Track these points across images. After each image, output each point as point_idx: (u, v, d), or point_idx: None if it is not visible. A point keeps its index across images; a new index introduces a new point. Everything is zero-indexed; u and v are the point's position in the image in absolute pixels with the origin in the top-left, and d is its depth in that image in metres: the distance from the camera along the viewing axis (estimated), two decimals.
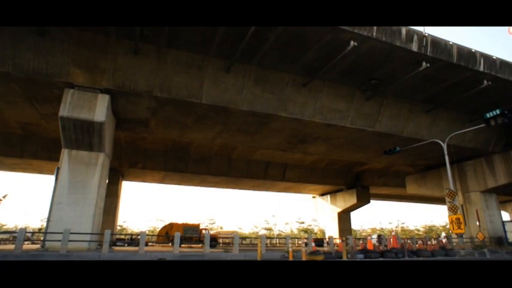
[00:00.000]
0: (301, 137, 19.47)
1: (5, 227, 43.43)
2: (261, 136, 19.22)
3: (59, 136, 14.02)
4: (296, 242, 32.89)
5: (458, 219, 16.58)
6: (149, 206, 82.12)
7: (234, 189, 35.49)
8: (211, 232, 31.74)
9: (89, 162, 14.19)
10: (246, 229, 54.74)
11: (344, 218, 34.66)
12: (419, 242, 17.65)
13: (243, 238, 31.94)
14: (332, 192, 35.38)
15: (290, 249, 12.32)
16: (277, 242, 33.75)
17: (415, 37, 14.06)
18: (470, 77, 15.93)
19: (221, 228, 49.16)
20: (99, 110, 13.37)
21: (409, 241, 17.18)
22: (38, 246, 14.94)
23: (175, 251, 12.66)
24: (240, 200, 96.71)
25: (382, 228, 60.81)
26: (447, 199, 17.79)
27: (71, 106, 13.06)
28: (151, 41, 13.10)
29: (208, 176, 27.32)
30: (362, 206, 33.43)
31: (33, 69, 12.60)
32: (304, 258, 11.66)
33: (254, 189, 35.99)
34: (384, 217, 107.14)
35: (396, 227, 58.56)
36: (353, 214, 36.05)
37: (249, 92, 15.20)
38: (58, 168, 13.95)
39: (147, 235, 30.51)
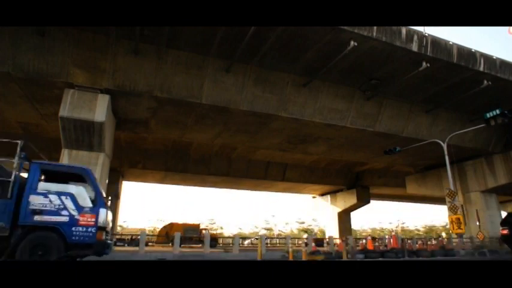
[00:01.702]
0: (301, 137, 19.47)
1: None
2: (261, 136, 19.22)
3: (59, 136, 14.02)
4: (296, 242, 32.89)
5: (458, 219, 16.57)
6: (149, 206, 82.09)
7: (234, 189, 35.49)
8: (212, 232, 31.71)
9: (89, 162, 14.17)
10: (247, 229, 54.72)
11: (344, 218, 34.65)
12: (420, 242, 17.66)
13: (243, 238, 31.98)
14: (332, 192, 35.38)
15: (290, 249, 12.32)
16: (277, 241, 33.74)
17: (415, 37, 14.05)
18: (470, 77, 15.93)
19: (221, 228, 49.10)
20: (99, 110, 13.37)
21: (409, 241, 17.18)
22: None
23: (175, 251, 12.66)
24: (240, 200, 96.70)
25: (382, 228, 60.81)
26: (447, 199, 17.78)
27: (71, 106, 13.06)
28: (152, 41, 13.10)
29: (208, 176, 27.31)
30: (362, 206, 33.42)
31: (33, 69, 12.60)
32: (304, 258, 11.66)
33: (254, 189, 35.98)
34: (384, 217, 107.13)
35: (396, 227, 58.56)
36: (353, 214, 36.07)
37: (249, 92, 15.20)
38: None
39: (147, 235, 30.50)
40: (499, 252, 17.17)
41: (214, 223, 48.77)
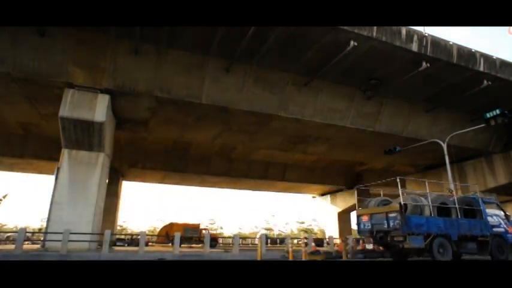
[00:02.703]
0: (302, 137, 19.47)
1: (5, 227, 43.44)
2: (261, 136, 19.22)
3: (59, 136, 14.02)
4: (296, 242, 32.85)
5: None
6: (149, 206, 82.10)
7: (234, 189, 35.47)
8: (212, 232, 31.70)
9: (89, 162, 14.18)
10: (247, 229, 54.71)
11: (344, 218, 34.63)
12: None
13: (243, 238, 31.99)
14: (332, 192, 35.35)
15: (290, 249, 12.31)
16: (278, 241, 33.71)
17: (415, 37, 14.05)
18: (470, 77, 15.93)
19: (221, 228, 49.05)
20: (99, 110, 13.37)
21: None
22: (38, 246, 14.94)
23: (175, 251, 12.67)
24: (240, 200, 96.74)
25: None
26: None
27: (71, 106, 13.06)
28: (151, 41, 13.10)
29: (208, 176, 27.29)
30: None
31: (33, 69, 12.60)
32: (304, 258, 11.66)
33: (254, 189, 35.95)
34: None
35: None
36: (353, 214, 36.08)
37: (249, 92, 15.20)
38: (58, 168, 13.94)
39: (147, 235, 30.50)
40: None
41: (214, 223, 48.67)
